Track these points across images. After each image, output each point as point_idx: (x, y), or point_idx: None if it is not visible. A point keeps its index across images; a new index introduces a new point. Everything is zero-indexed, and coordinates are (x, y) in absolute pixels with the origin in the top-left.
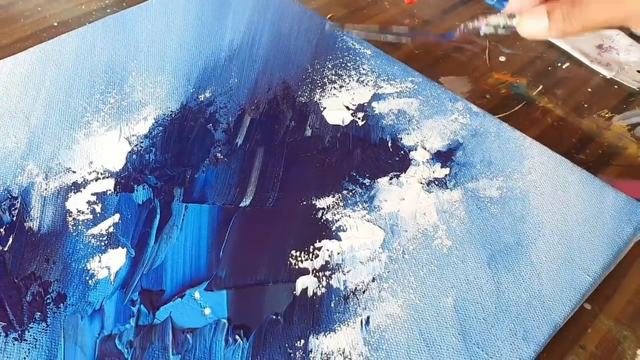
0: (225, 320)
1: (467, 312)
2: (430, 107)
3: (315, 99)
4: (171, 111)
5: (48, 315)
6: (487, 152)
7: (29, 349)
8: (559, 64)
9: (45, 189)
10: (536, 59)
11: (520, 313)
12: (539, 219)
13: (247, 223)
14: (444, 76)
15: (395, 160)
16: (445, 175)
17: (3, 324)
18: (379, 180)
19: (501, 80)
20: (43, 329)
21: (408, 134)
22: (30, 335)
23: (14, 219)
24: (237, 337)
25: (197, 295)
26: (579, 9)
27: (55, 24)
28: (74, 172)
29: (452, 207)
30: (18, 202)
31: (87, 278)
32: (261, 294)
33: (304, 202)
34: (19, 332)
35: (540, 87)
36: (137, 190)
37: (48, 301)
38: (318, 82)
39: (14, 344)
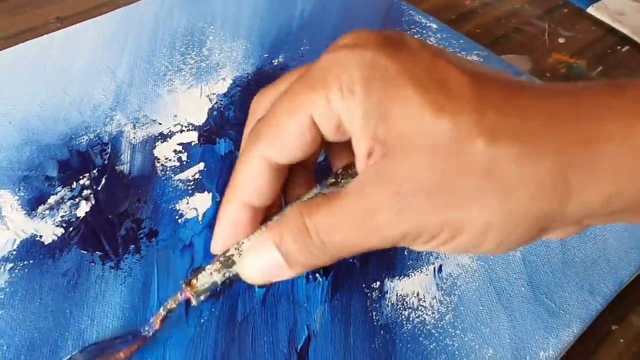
0: None
1: (535, 266)
2: None
3: None
4: (247, 73)
5: (141, 248)
6: None
7: (124, 277)
8: (619, 47)
9: (134, 137)
10: (596, 42)
11: (586, 269)
12: None
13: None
14: (504, 54)
15: None
16: None
17: (100, 253)
18: None
19: (561, 60)
20: (137, 260)
21: None
22: (126, 265)
23: (106, 162)
24: (317, 275)
25: None
26: (318, 239)
27: None
28: (159, 123)
29: None
30: (109, 147)
31: (177, 217)
32: None
33: None
34: (115, 261)
35: (600, 68)
36: (219, 143)
37: (141, 236)
38: None
39: (110, 272)
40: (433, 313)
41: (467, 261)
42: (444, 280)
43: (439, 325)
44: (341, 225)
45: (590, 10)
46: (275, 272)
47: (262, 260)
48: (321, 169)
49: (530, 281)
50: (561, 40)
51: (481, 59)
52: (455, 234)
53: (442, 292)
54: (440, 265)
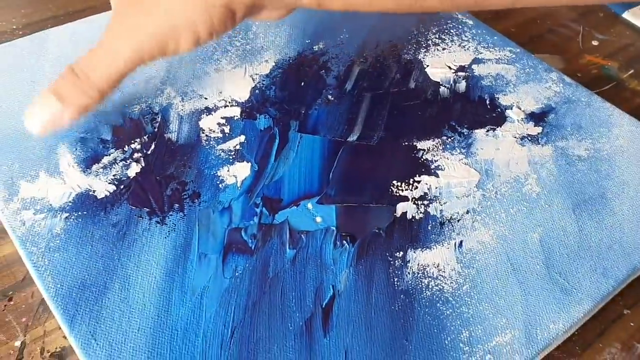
0: (334, 228)
1: (551, 246)
2: (526, 74)
3: (419, 57)
4: (289, 57)
5: (185, 207)
6: (578, 117)
7: (169, 232)
8: None
9: (182, 109)
10: (629, 46)
11: (601, 253)
12: (624, 179)
13: (353, 154)
14: (537, 53)
15: (492, 116)
16: (538, 133)
17: (147, 209)
18: (476, 131)
19: (593, 62)
20: (181, 217)
21: (505, 94)
22: (170, 221)
23: (156, 130)
24: (344, 242)
25: (310, 206)
26: (83, 75)
27: None
28: (205, 98)
29: (543, 159)
30: (159, 117)
31: (218, 182)
32: (365, 211)
33: (406, 143)
34: (161, 217)
35: (632, 71)
36: (259, 119)
37: (185, 196)
38: (422, 43)
39: (156, 226)
40: (451, 283)
41: (488, 239)
42: (464, 254)
43: (456, 294)
44: (98, 61)
45: (626, 15)
46: (56, 118)
47: (42, 109)
48: None
49: (546, 261)
50: (595, 43)
51: (514, 55)
52: (173, 38)
53: (461, 264)
54: (461, 241)
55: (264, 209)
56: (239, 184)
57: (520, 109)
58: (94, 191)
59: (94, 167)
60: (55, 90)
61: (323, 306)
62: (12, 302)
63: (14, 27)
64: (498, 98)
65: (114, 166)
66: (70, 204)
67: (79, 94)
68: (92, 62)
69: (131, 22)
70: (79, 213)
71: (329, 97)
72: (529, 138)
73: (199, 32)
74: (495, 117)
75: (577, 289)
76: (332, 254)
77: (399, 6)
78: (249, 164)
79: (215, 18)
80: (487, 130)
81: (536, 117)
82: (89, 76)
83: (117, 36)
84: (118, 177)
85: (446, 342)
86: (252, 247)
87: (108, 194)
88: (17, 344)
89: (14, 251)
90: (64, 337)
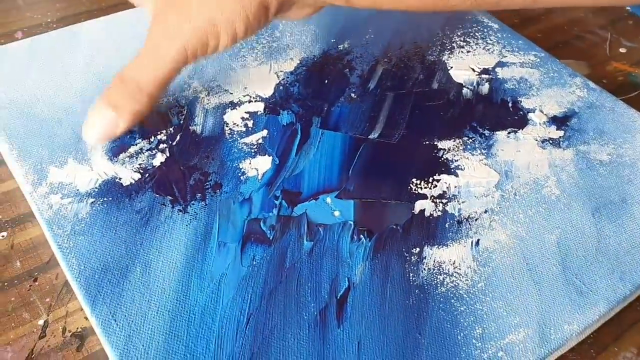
0: (352, 222)
1: (568, 248)
2: (550, 78)
3: (443, 59)
4: (314, 55)
5: (207, 196)
6: (601, 122)
7: (190, 220)
8: None
9: (207, 103)
10: None
11: (619, 257)
12: None
13: (374, 151)
14: (563, 59)
15: (514, 118)
16: (560, 136)
17: (170, 198)
18: (497, 132)
19: (620, 69)
20: (202, 207)
21: (528, 98)
22: (192, 209)
23: (181, 122)
24: (361, 236)
25: (329, 200)
26: (133, 83)
27: None
28: (230, 93)
29: (563, 163)
30: (185, 109)
31: (239, 174)
32: (383, 207)
33: (427, 142)
34: (183, 206)
35: None
36: (282, 114)
37: (207, 187)
38: (447, 45)
39: (178, 214)
40: (467, 280)
41: (504, 238)
42: (480, 253)
43: (471, 291)
44: (144, 66)
45: None
46: (111, 127)
47: (97, 120)
48: None
49: (563, 262)
50: (622, 50)
51: (538, 60)
52: (214, 36)
53: (477, 263)
54: (478, 240)
55: (283, 201)
56: (259, 177)
57: (542, 112)
58: (119, 179)
59: (121, 155)
60: (108, 100)
61: (338, 297)
62: (37, 283)
63: (49, 20)
64: (521, 101)
65: (140, 155)
66: (96, 190)
67: (131, 101)
68: (138, 67)
69: (172, 23)
70: (105, 199)
71: (352, 95)
72: (551, 141)
73: (236, 28)
74: (517, 119)
75: (593, 291)
76: (349, 247)
77: (424, 4)
78: (271, 157)
79: (251, 14)
80: (509, 133)
81: (558, 121)
82: (138, 82)
83: (160, 39)
84: (143, 166)
85: (459, 337)
86: (271, 238)
87: (133, 181)
88: (41, 322)
89: (40, 234)
90: (85, 318)
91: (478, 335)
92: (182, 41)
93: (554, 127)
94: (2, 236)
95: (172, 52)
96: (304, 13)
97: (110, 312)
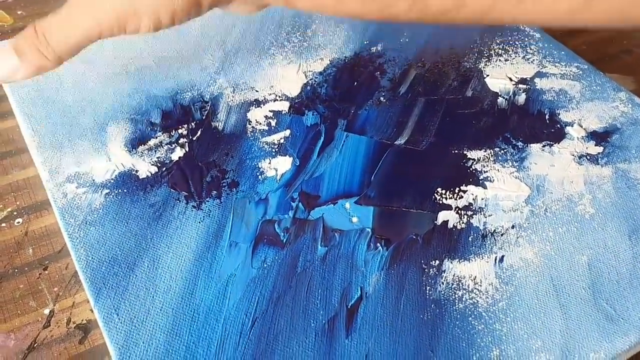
0: (370, 230)
1: (600, 272)
2: (592, 92)
3: (479, 66)
4: (345, 57)
5: (222, 194)
6: None
7: (203, 217)
8: None
9: (232, 100)
10: None
11: None
12: None
13: (399, 157)
14: (608, 73)
15: (551, 131)
16: (598, 152)
17: (185, 193)
18: (531, 145)
19: None
20: (217, 204)
21: (566, 111)
22: (206, 207)
23: (204, 117)
24: (378, 245)
25: (347, 205)
26: (43, 37)
27: None
28: (256, 91)
29: (601, 181)
30: (208, 105)
31: (258, 174)
32: (405, 216)
33: (456, 151)
34: (197, 202)
35: None
36: (307, 115)
37: (223, 184)
38: (485, 53)
39: (192, 211)
40: (487, 298)
41: (531, 256)
42: (504, 270)
43: (491, 310)
44: (58, 27)
45: None
46: (10, 72)
47: (1, 61)
48: None
49: (593, 285)
50: None
51: (580, 72)
52: (133, 20)
53: (500, 280)
54: (503, 256)
55: (300, 203)
56: (278, 177)
57: (581, 126)
58: (136, 171)
59: (140, 148)
60: (16, 45)
61: (349, 307)
62: (47, 272)
63: None
64: (559, 114)
65: (159, 149)
66: (112, 181)
67: (37, 55)
68: (53, 26)
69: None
70: (119, 190)
71: (381, 98)
72: (588, 157)
73: (160, 17)
74: (553, 132)
75: (625, 318)
76: (365, 255)
77: (368, 11)
78: (291, 158)
79: (179, 7)
80: (544, 146)
81: (598, 136)
82: (49, 40)
83: (79, 6)
84: (161, 159)
85: (474, 358)
86: (284, 241)
87: (150, 174)
88: (46, 312)
89: (55, 222)
90: (91, 310)
91: (495, 357)
92: (98, 16)
93: (592, 143)
94: (18, 222)
95: (86, 24)
96: (246, 9)
97: (113, 306)
